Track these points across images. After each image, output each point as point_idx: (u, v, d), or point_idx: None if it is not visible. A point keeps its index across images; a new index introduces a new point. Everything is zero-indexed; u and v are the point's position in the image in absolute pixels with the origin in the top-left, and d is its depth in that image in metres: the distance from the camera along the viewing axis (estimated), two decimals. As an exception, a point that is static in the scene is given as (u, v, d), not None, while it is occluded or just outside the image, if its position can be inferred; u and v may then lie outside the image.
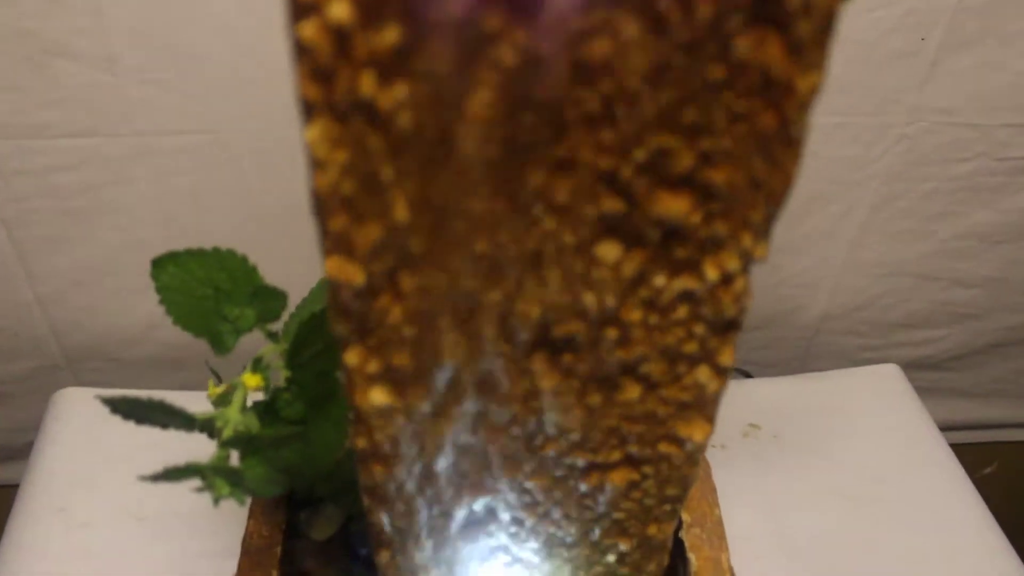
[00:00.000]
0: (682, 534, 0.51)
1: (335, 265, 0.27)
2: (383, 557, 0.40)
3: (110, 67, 0.61)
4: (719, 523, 0.52)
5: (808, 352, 0.93)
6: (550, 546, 0.40)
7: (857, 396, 0.82)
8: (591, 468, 0.36)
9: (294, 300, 0.45)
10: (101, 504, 0.66)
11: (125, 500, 0.67)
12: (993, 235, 0.84)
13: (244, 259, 0.41)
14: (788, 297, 0.88)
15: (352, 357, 0.30)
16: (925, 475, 0.75)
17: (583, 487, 0.37)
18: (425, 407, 0.32)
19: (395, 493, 0.36)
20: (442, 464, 0.35)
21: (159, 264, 0.40)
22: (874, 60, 0.69)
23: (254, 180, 0.70)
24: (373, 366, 0.30)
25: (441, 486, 0.36)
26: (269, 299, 0.39)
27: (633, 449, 0.35)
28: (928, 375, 0.95)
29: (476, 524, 0.38)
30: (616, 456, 0.35)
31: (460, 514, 0.37)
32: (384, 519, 0.37)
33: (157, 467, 0.70)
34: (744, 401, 0.81)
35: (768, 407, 0.80)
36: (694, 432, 0.34)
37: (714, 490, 0.55)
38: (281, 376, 0.40)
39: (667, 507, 0.38)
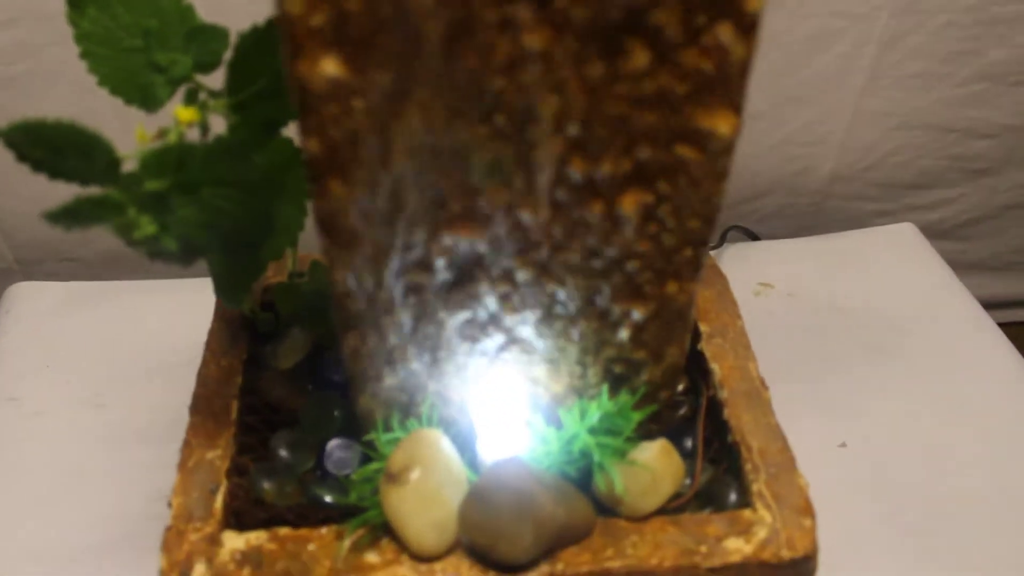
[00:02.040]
0: (701, 345, 0.45)
1: None
2: (350, 343, 0.34)
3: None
4: (743, 333, 0.46)
5: (818, 220, 0.87)
6: (550, 319, 0.34)
7: (873, 253, 0.76)
8: (596, 188, 0.29)
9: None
10: (54, 393, 0.60)
11: (80, 389, 0.60)
12: (1008, 75, 0.78)
13: (176, -3, 0.34)
14: (795, 157, 0.82)
15: (294, 3, 0.24)
16: (951, 325, 0.69)
17: (589, 218, 0.30)
18: (385, 82, 0.25)
19: (359, 225, 0.29)
20: (414, 182, 0.28)
21: (77, 5, 0.34)
22: None
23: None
24: (319, 17, 0.24)
25: (415, 219, 0.29)
26: (207, 39, 0.33)
27: (645, 153, 0.29)
28: (943, 246, 0.90)
29: (461, 284, 0.32)
30: (625, 166, 0.29)
31: (440, 265, 0.31)
32: (349, 279, 0.31)
33: (113, 360, 0.64)
34: (753, 262, 0.75)
35: (779, 266, 0.74)
36: (717, 123, 0.28)
37: (735, 303, 0.49)
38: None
39: (688, 252, 0.32)
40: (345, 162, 0.27)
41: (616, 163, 0.29)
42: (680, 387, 0.44)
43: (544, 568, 0.34)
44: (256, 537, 0.35)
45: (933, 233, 0.92)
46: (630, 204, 0.30)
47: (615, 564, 0.34)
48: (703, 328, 0.46)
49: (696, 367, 0.44)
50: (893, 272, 0.74)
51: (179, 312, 0.63)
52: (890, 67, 0.77)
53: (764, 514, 0.36)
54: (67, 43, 0.62)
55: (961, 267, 0.92)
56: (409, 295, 0.32)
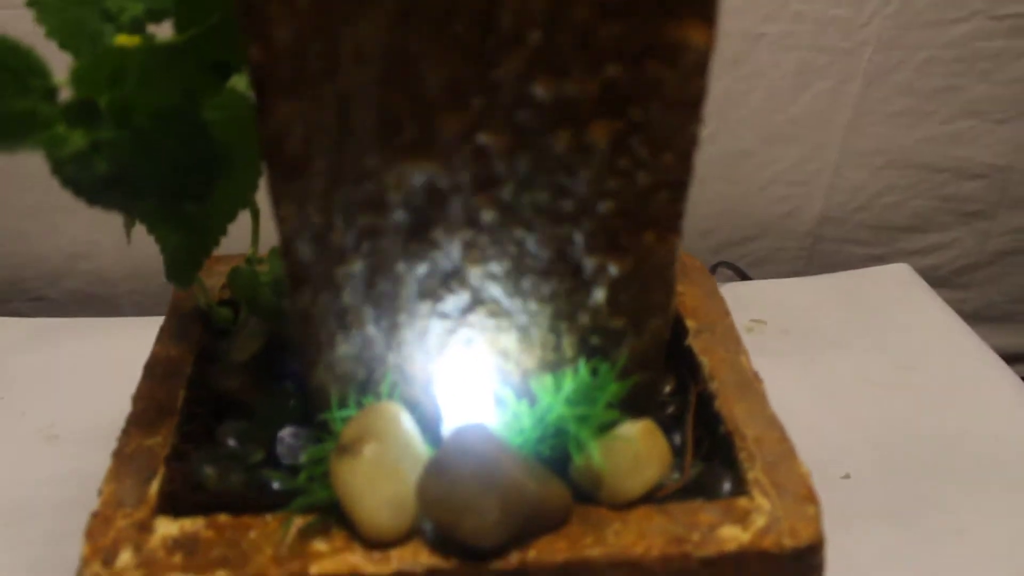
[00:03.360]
0: (689, 341, 0.42)
1: None
2: (300, 301, 0.31)
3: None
4: (732, 329, 0.43)
5: (810, 264, 0.85)
6: (519, 274, 0.31)
7: (868, 293, 0.74)
8: (562, 112, 0.27)
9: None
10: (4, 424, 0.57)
11: (34, 420, 0.57)
12: (993, 112, 0.78)
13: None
14: (784, 198, 0.81)
15: None
16: (957, 360, 0.66)
17: (556, 147, 0.28)
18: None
19: (305, 150, 0.27)
20: (363, 99, 0.26)
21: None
22: None
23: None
24: None
25: (365, 144, 0.27)
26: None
27: (614, 70, 0.27)
28: (940, 295, 0.88)
29: (420, 230, 0.29)
30: (592, 88, 0.27)
31: (395, 201, 0.29)
32: (296, 217, 0.28)
33: (71, 393, 0.61)
34: (744, 300, 0.72)
35: (772, 305, 0.72)
36: (690, 34, 0.26)
37: (723, 300, 0.46)
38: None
39: (664, 195, 0.30)
40: (290, 73, 0.25)
41: (583, 83, 0.27)
42: (667, 388, 0.41)
43: (514, 556, 0.30)
44: (192, 523, 0.31)
45: (929, 280, 0.89)
46: (600, 132, 0.28)
47: (595, 552, 0.30)
48: (690, 324, 0.43)
49: (684, 365, 0.41)
50: (891, 310, 0.72)
51: (146, 348, 0.60)
52: (876, 103, 0.77)
53: (762, 502, 0.33)
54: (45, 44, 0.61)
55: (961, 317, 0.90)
56: (363, 240, 0.29)
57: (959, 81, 0.76)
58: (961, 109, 0.78)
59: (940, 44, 0.74)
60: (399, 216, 0.29)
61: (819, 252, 0.85)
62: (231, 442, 0.35)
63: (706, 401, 0.39)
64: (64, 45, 0.34)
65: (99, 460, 0.35)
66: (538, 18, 0.25)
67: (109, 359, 0.63)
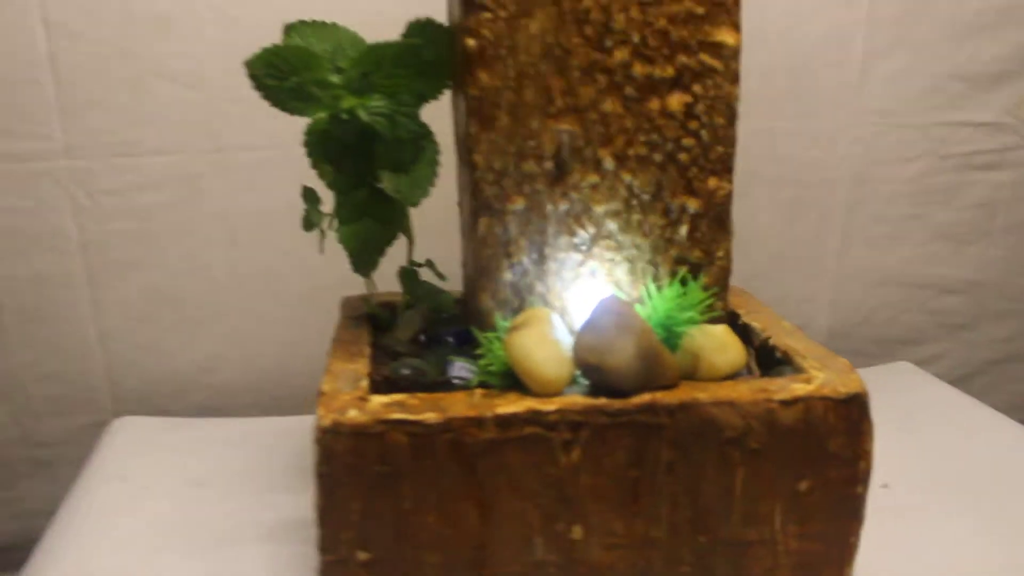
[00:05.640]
0: (741, 320, 0.54)
1: None
2: (482, 228, 0.45)
3: (201, 86, 0.74)
4: (771, 313, 0.56)
5: (826, 374, 0.97)
6: (628, 212, 0.45)
7: (878, 382, 0.85)
8: (652, 87, 0.43)
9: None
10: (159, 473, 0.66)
11: (185, 472, 0.66)
12: (958, 235, 0.94)
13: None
14: (792, 315, 0.94)
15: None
16: (967, 425, 0.74)
17: (649, 113, 0.44)
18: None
19: (495, 112, 0.42)
20: (532, 78, 0.42)
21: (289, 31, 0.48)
22: (809, 68, 0.85)
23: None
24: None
25: (532, 110, 0.43)
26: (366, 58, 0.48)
27: (682, 59, 0.43)
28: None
29: (561, 175, 0.44)
30: (670, 71, 0.43)
31: (547, 154, 0.44)
32: (485, 165, 0.43)
33: (214, 451, 0.69)
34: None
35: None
36: (726, 37, 0.43)
37: (759, 302, 0.59)
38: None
39: (719, 149, 0.45)
40: (488, 56, 0.41)
41: (664, 67, 0.43)
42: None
43: (645, 396, 0.41)
44: (399, 396, 0.42)
45: (933, 389, 1.00)
46: (676, 102, 0.44)
47: (702, 395, 0.42)
48: (740, 312, 0.55)
49: (741, 335, 0.53)
50: (904, 397, 0.80)
51: (285, 441, 0.71)
52: (857, 230, 0.93)
53: (817, 374, 0.44)
54: (197, 200, 0.77)
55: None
56: (524, 183, 0.44)
57: (923, 210, 0.93)
58: (931, 233, 0.94)
59: (901, 179, 0.92)
60: (548, 165, 0.44)
61: (833, 362, 0.97)
62: (407, 374, 0.47)
63: (763, 350, 0.50)
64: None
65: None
66: (636, 25, 0.42)
67: (245, 444, 0.73)
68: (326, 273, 0.77)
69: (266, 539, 0.54)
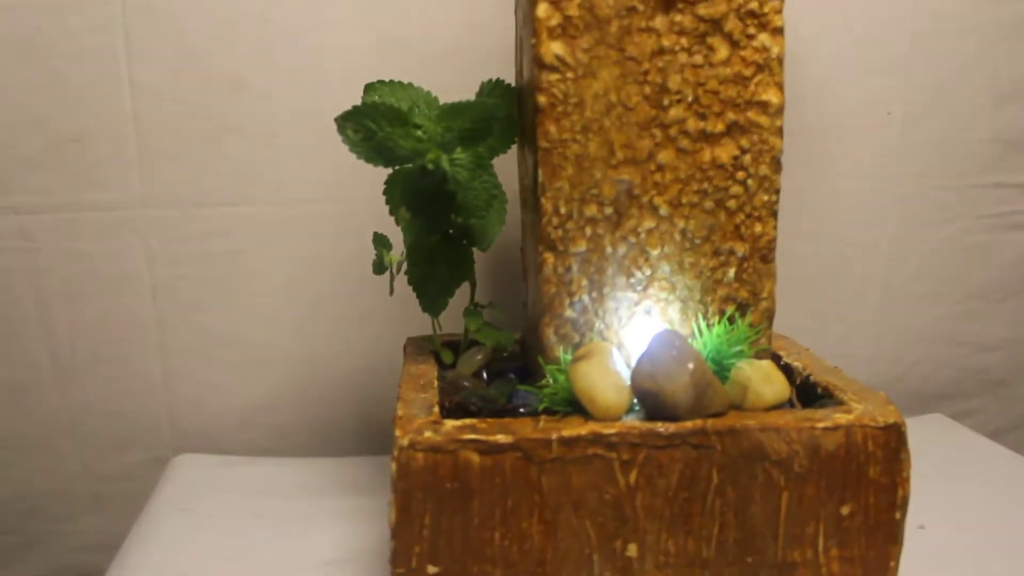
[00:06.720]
0: (784, 361, 0.57)
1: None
2: (548, 265, 0.48)
3: (271, 142, 0.79)
4: (812, 354, 0.58)
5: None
6: (681, 254, 0.49)
7: (915, 438, 0.86)
8: (704, 140, 0.47)
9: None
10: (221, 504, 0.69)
11: (244, 503, 0.69)
12: (994, 294, 0.96)
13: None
14: (832, 369, 0.97)
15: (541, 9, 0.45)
16: (1005, 478, 0.76)
17: (701, 161, 0.48)
18: (584, 60, 0.45)
19: (562, 162, 0.47)
20: (596, 132, 0.47)
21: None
22: (848, 128, 0.89)
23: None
24: (555, 19, 0.45)
25: (595, 162, 0.47)
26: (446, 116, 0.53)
27: (732, 116, 0.47)
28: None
29: (620, 220, 0.48)
30: (720, 126, 0.47)
31: (608, 200, 0.48)
32: (552, 210, 0.47)
33: (272, 487, 0.73)
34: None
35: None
36: (770, 95, 0.47)
37: (798, 345, 0.61)
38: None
39: (764, 196, 0.49)
40: (558, 112, 0.46)
41: (715, 123, 0.47)
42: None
43: (698, 421, 0.44)
44: (470, 421, 0.45)
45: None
46: (725, 154, 0.48)
47: (751, 422, 0.44)
48: (782, 353, 0.58)
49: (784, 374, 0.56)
50: (938, 446, 0.82)
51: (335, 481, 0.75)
52: (899, 287, 0.95)
53: (857, 405, 0.47)
54: (262, 250, 0.81)
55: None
56: (586, 227, 0.48)
57: (960, 270, 0.96)
58: (967, 292, 0.96)
59: (938, 239, 0.95)
60: (608, 210, 0.48)
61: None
62: (475, 401, 0.50)
63: (805, 386, 0.53)
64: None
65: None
66: (690, 85, 0.46)
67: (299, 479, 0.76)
68: (380, 319, 0.82)
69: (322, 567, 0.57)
